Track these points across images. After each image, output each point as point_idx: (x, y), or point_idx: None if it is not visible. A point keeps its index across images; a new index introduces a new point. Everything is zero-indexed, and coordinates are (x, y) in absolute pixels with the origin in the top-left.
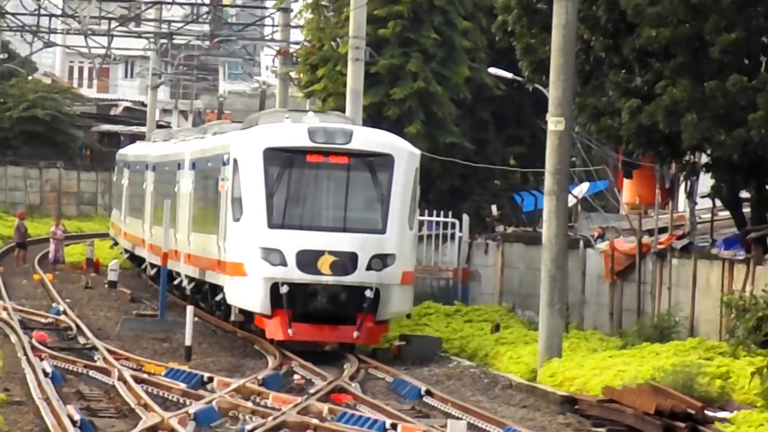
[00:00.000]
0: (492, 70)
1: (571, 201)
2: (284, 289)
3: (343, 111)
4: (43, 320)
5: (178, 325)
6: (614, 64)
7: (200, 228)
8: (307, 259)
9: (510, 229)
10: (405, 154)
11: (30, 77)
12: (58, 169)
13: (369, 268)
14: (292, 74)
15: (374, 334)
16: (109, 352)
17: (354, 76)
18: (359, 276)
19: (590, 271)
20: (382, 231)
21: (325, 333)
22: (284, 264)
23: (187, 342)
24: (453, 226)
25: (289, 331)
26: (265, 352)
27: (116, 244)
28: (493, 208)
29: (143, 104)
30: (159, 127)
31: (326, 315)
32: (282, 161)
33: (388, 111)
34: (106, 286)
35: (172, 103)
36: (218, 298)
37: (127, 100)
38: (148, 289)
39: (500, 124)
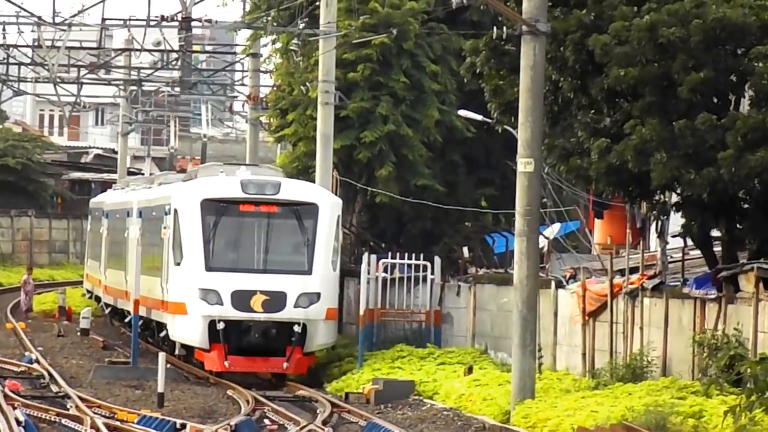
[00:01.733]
0: (462, 112)
1: (543, 242)
2: (221, 326)
3: (314, 155)
4: (15, 369)
5: (150, 372)
6: (583, 104)
7: (146, 271)
8: (241, 299)
9: (482, 271)
10: (328, 203)
11: (0, 126)
12: (29, 218)
13: (297, 305)
14: (263, 119)
15: (302, 364)
16: (82, 400)
17: (324, 120)
18: (288, 313)
19: (562, 311)
20: (309, 272)
21: (257, 364)
22: (220, 303)
23: (160, 389)
24: (425, 268)
25: (226, 363)
26: (238, 397)
27: (92, 295)
28: (465, 249)
29: (114, 151)
30: (130, 173)
31: (259, 348)
32: (217, 210)
33: (359, 154)
34: (79, 333)
35: (143, 150)
36: (162, 334)
37: (98, 148)
38: (120, 337)
39: (471, 166)
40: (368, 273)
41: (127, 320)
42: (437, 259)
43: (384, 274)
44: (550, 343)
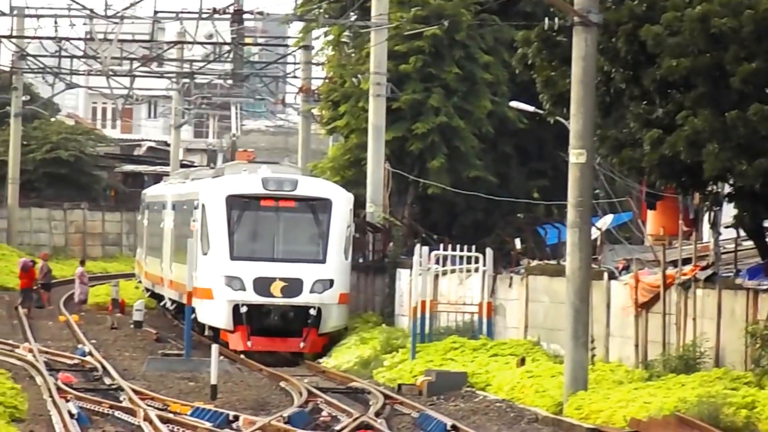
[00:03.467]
0: (513, 103)
1: (595, 233)
2: (244, 309)
3: (366, 147)
4: (68, 361)
5: (203, 364)
6: (635, 95)
7: (179, 259)
8: (262, 285)
9: (534, 262)
10: (341, 199)
11: (53, 119)
12: (82, 210)
13: (312, 291)
14: (315, 111)
15: (317, 344)
16: (135, 392)
17: (376, 112)
18: (304, 297)
19: (615, 303)
20: (323, 261)
21: (277, 344)
22: (243, 289)
23: (213, 381)
24: (477, 260)
25: (248, 343)
26: (291, 389)
27: (141, 282)
28: (517, 241)
29: (167, 144)
30: (183, 166)
31: (278, 329)
32: (241, 205)
33: (411, 146)
34: (132, 326)
35: (195, 143)
36: (192, 317)
37: (150, 140)
38: (173, 329)
39: (523, 158)
40: (420, 265)
41: (162, 304)
42: (489, 251)
43: (436, 266)
44: (602, 335)
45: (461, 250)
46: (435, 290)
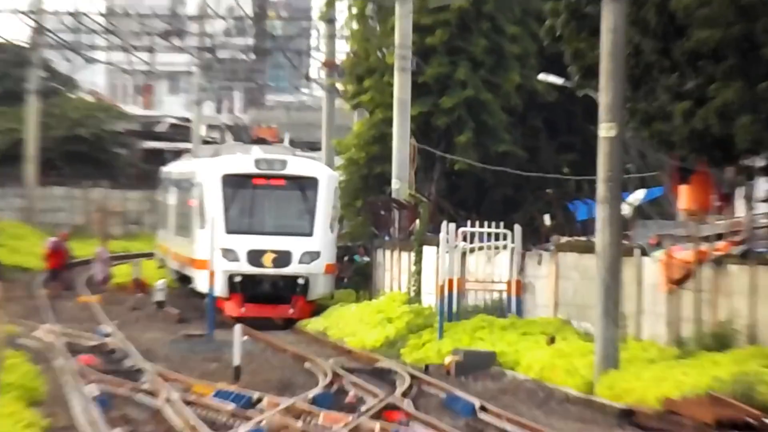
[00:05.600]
0: (542, 76)
1: (626, 208)
2: (237, 279)
3: (391, 122)
4: (89, 343)
5: (226, 345)
6: (665, 67)
7: (179, 232)
8: (255, 256)
9: (564, 239)
10: (326, 177)
11: (72, 96)
12: (102, 189)
13: (301, 261)
14: (339, 86)
15: (305, 310)
16: (157, 374)
17: (401, 86)
18: (293, 268)
19: (647, 279)
20: (310, 234)
21: (268, 310)
22: (237, 260)
23: (236, 362)
24: (506, 237)
25: (242, 309)
26: (316, 370)
27: (163, 265)
28: (546, 217)
29: (188, 120)
30: (205, 143)
31: (269, 297)
32: (235, 183)
33: (437, 121)
34: (154, 306)
35: (218, 119)
36: (191, 286)
37: (172, 117)
38: (196, 309)
39: (552, 132)
40: (447, 242)
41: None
42: (518, 227)
43: (463, 243)
44: (634, 312)
45: (489, 226)
46: (462, 268)
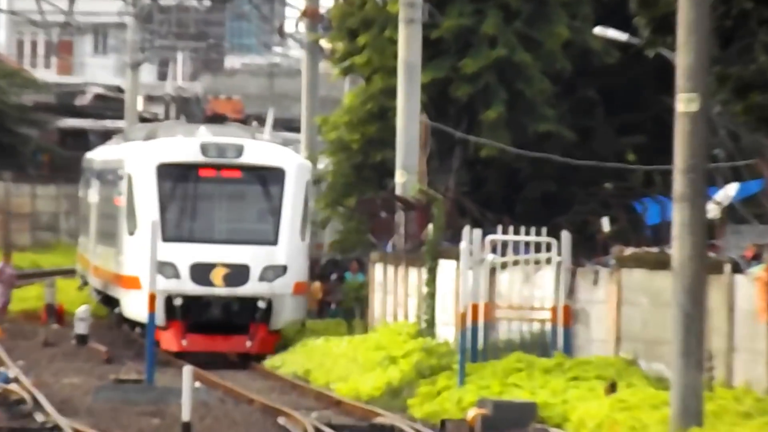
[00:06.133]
0: (598, 30)
1: (714, 209)
2: (178, 302)
3: (394, 93)
4: None
5: (171, 393)
6: (765, 18)
7: (103, 240)
8: (200, 272)
9: (628, 250)
10: (295, 167)
11: None
12: (3, 182)
13: (261, 279)
14: (324, 43)
15: (267, 343)
16: None
17: (408, 44)
18: (252, 287)
19: (741, 305)
20: (274, 242)
21: (218, 343)
22: (177, 276)
23: (185, 416)
24: (549, 247)
25: (183, 342)
26: (293, 427)
27: (86, 283)
28: (604, 221)
29: (121, 90)
30: (143, 120)
31: (220, 326)
32: (175, 176)
33: (457, 91)
34: (74, 341)
35: (160, 87)
36: (117, 311)
37: (98, 85)
38: (130, 345)
39: (611, 106)
40: (471, 254)
41: (116, 310)
42: (566, 235)
43: (492, 256)
44: (723, 350)
45: (527, 233)
46: (491, 289)
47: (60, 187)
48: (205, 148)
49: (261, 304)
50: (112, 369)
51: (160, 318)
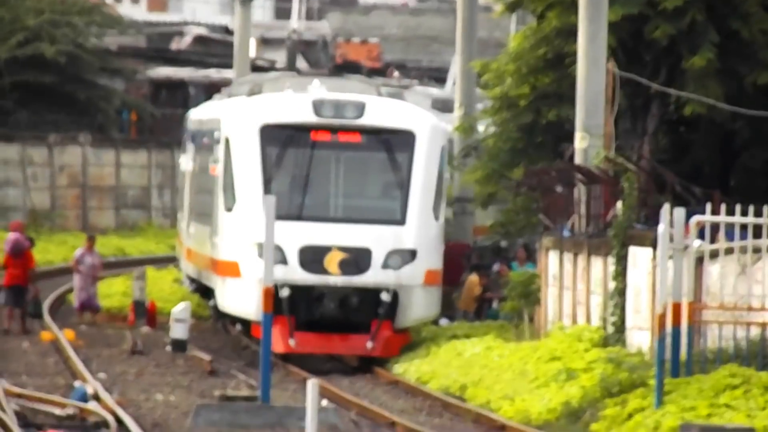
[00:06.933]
0: None
1: None
2: (284, 293)
3: (573, 34)
4: (58, 410)
5: (292, 414)
6: None
7: (198, 218)
8: (312, 257)
9: None
10: (428, 130)
11: None
12: (81, 147)
13: (386, 266)
14: None
15: (393, 345)
16: None
17: None
18: (374, 276)
19: None
20: (401, 222)
21: (333, 344)
22: (284, 262)
23: None
24: None
25: (291, 342)
26: None
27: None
28: None
29: (227, 31)
30: (256, 70)
31: (335, 322)
32: (282, 140)
33: (654, 31)
34: (169, 348)
35: (279, 28)
36: (212, 303)
37: (199, 24)
38: (240, 353)
39: None
40: (671, 240)
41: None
42: None
43: (699, 242)
44: None
45: (743, 213)
46: (698, 285)
47: (152, 153)
48: (318, 107)
49: (385, 297)
50: (218, 383)
51: (259, 312)
